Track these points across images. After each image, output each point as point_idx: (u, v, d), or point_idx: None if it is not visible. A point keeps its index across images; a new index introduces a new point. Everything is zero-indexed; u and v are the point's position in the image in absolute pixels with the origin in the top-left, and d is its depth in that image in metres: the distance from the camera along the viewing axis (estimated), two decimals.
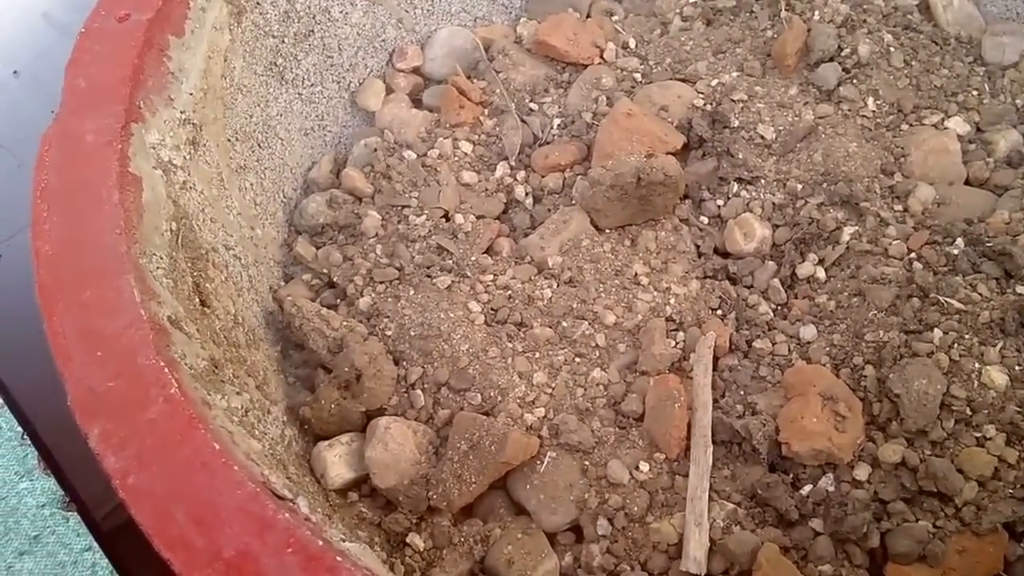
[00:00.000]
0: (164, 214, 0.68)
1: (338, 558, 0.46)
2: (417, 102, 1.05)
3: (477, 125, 0.99)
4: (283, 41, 0.93)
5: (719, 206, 0.91)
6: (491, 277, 0.86)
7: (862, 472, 0.72)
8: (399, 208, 0.92)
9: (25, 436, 0.80)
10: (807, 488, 0.72)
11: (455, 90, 1.00)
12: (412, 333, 0.81)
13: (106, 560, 0.73)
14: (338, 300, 0.87)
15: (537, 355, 0.80)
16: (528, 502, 0.74)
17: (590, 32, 1.04)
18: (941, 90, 0.95)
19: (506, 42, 1.06)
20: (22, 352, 0.86)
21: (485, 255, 0.88)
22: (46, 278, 0.58)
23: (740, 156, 0.91)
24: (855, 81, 0.96)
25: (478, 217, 0.91)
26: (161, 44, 0.74)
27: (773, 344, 0.81)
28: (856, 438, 0.72)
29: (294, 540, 0.47)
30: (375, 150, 0.96)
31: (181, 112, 0.76)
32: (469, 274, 0.86)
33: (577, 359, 0.81)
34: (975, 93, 0.95)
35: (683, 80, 0.99)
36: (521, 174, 0.95)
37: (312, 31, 0.96)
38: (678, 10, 1.07)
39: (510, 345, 0.81)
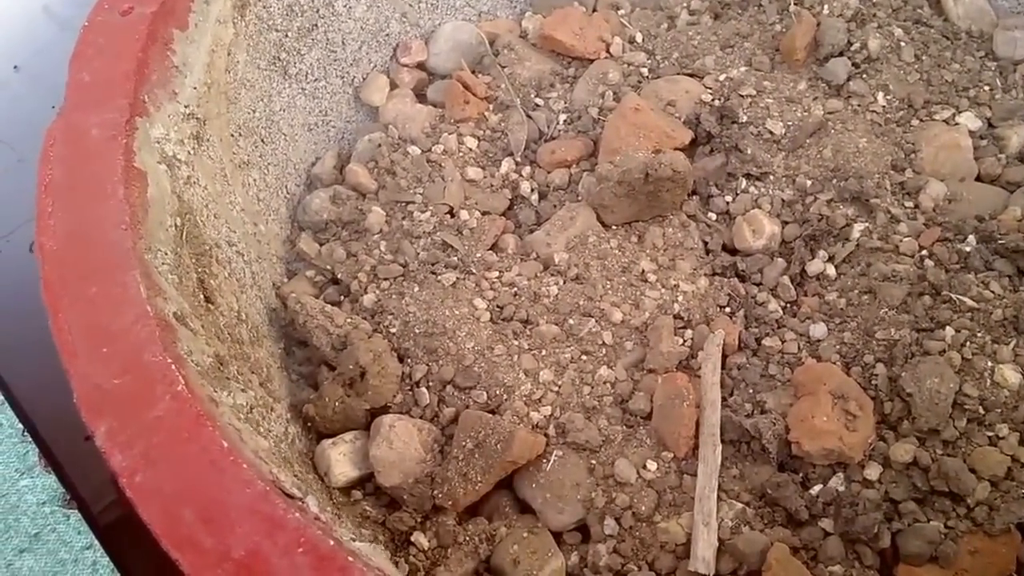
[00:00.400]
0: (169, 209, 0.67)
1: (350, 558, 0.46)
2: (421, 97, 1.04)
3: (482, 120, 0.99)
4: (287, 35, 0.92)
5: (727, 202, 0.90)
6: (496, 274, 0.85)
7: (873, 472, 0.71)
8: (403, 204, 0.91)
9: (26, 433, 0.79)
10: (817, 488, 0.72)
11: (460, 85, 0.99)
12: (417, 330, 0.80)
13: (107, 558, 0.72)
14: (342, 297, 0.87)
15: (543, 353, 0.80)
16: (534, 501, 0.74)
17: (596, 26, 1.03)
18: (952, 85, 0.94)
19: (511, 36, 1.06)
20: (23, 348, 0.85)
21: (490, 252, 0.87)
22: (51, 274, 0.57)
23: (749, 152, 0.90)
24: (865, 76, 0.95)
25: (483, 213, 0.90)
26: (165, 38, 0.74)
27: (783, 342, 0.80)
28: (867, 437, 0.72)
29: (305, 540, 0.47)
30: (379, 145, 0.95)
31: (185, 106, 0.75)
32: (474, 271, 0.85)
33: (584, 357, 0.80)
34: (987, 88, 0.94)
35: (691, 75, 0.98)
36: (527, 170, 0.95)
37: (316, 25, 0.95)
38: (685, 4, 1.06)
39: (516, 343, 0.80)
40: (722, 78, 0.97)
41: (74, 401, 0.52)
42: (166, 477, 0.49)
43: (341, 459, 0.75)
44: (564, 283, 0.84)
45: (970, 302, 0.76)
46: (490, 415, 0.74)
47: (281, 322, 0.85)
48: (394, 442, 0.74)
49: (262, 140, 0.90)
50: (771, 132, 0.91)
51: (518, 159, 0.95)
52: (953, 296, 0.77)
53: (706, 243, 0.88)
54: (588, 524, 0.73)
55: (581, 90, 0.99)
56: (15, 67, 1.12)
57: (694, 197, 0.91)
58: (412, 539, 0.72)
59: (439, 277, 0.84)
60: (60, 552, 0.73)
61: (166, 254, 0.64)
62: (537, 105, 0.99)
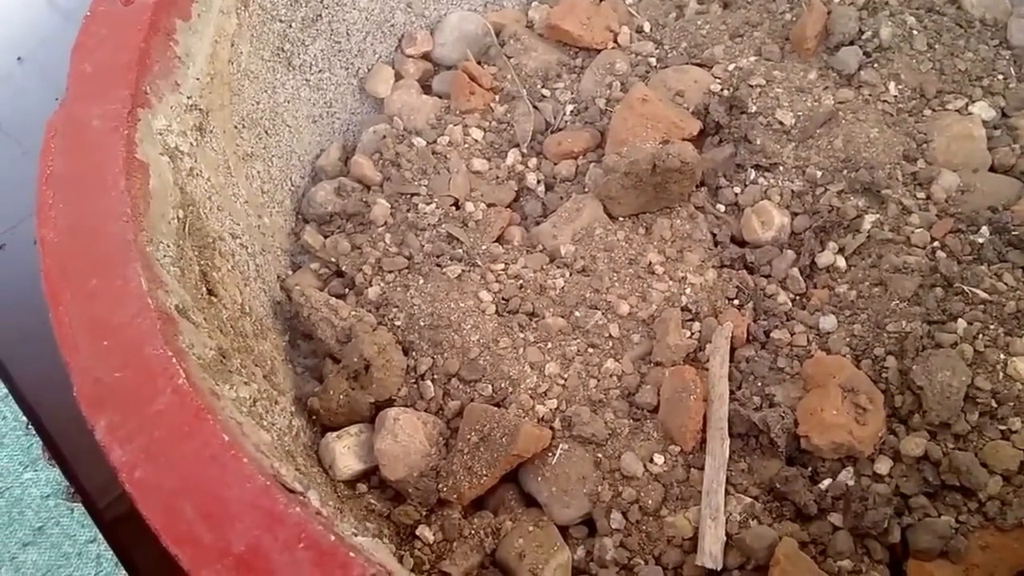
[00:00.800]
0: (171, 201, 0.67)
1: (351, 553, 0.45)
2: (427, 88, 1.03)
3: (488, 112, 0.98)
4: (290, 26, 0.91)
5: (736, 193, 0.89)
6: (502, 266, 0.85)
7: (883, 466, 0.71)
8: (408, 196, 0.90)
9: (30, 426, 0.79)
10: (826, 482, 0.71)
11: (465, 76, 0.98)
12: (422, 323, 0.80)
13: (111, 552, 0.72)
14: (346, 289, 0.86)
15: (549, 345, 0.79)
16: (540, 495, 0.73)
17: (604, 16, 1.02)
18: (965, 74, 0.93)
19: (518, 27, 1.05)
20: (27, 341, 0.85)
21: (496, 244, 0.87)
22: (52, 267, 0.57)
23: (758, 142, 0.89)
24: (876, 65, 0.94)
25: (489, 205, 0.90)
26: (167, 28, 0.73)
27: (792, 335, 0.79)
28: (877, 431, 0.71)
29: (306, 535, 0.46)
30: (384, 137, 0.95)
31: (188, 98, 0.74)
32: (480, 263, 0.84)
33: (590, 350, 0.79)
34: (1000, 77, 0.93)
35: (699, 65, 0.97)
36: (533, 161, 0.94)
37: (320, 16, 0.95)
38: None
39: (521, 335, 0.80)
40: (731, 68, 0.96)
41: (74, 395, 0.52)
42: (166, 472, 0.48)
43: (346, 452, 0.75)
44: (570, 275, 0.83)
45: (983, 294, 0.75)
46: (495, 408, 0.74)
47: (286, 315, 0.85)
48: (399, 435, 0.73)
49: (266, 132, 0.89)
50: (781, 122, 0.90)
51: (524, 150, 0.94)
52: (965, 288, 0.76)
53: (714, 235, 0.87)
54: (594, 518, 0.72)
55: (588, 80, 0.98)
56: (19, 58, 1.12)
57: (702, 188, 0.90)
58: (417, 533, 0.72)
59: (444, 269, 0.84)
60: (64, 545, 0.73)
61: (168, 246, 0.63)
62: (544, 96, 0.98)
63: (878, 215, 0.84)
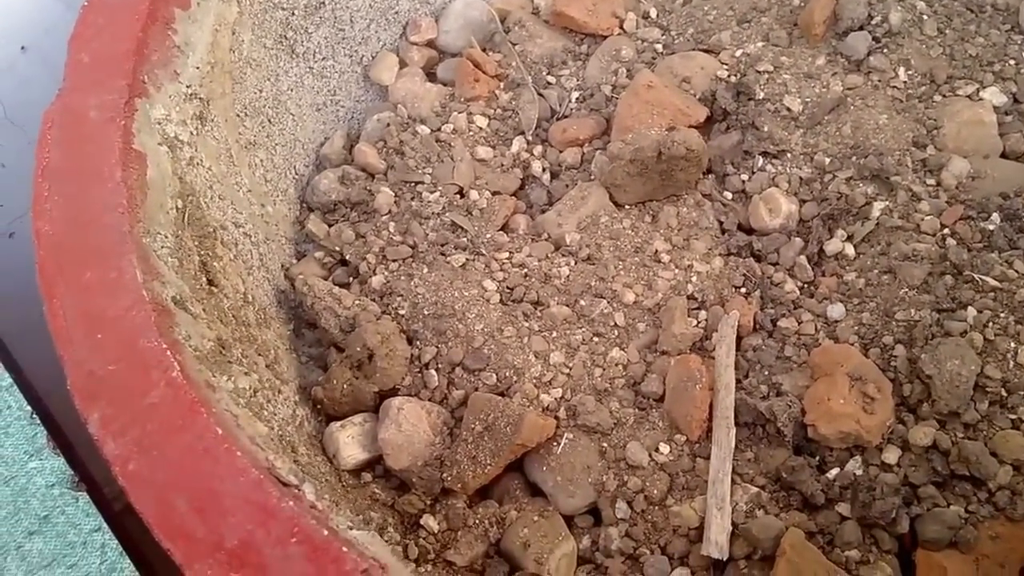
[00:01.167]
0: (170, 191, 0.67)
1: (344, 548, 0.45)
2: (431, 76, 1.03)
3: (493, 99, 0.97)
4: (293, 13, 0.90)
5: (743, 181, 0.88)
6: (507, 255, 0.84)
7: (891, 455, 0.70)
8: (412, 184, 0.90)
9: (35, 415, 0.79)
10: (834, 472, 0.71)
11: (470, 63, 0.97)
12: (426, 312, 0.79)
13: (115, 541, 0.73)
14: (351, 278, 0.86)
15: (554, 334, 0.79)
16: (545, 484, 0.73)
17: (609, 2, 1.01)
18: (976, 59, 0.92)
19: (523, 13, 1.04)
20: (32, 331, 0.85)
21: (501, 232, 0.86)
22: (46, 259, 0.57)
23: (765, 129, 0.88)
24: (886, 50, 0.93)
25: (493, 193, 0.89)
26: (166, 17, 0.72)
27: (799, 323, 0.79)
28: (885, 420, 0.70)
29: (299, 529, 0.46)
30: (388, 125, 0.94)
31: (188, 87, 0.74)
32: (484, 252, 0.84)
33: (595, 338, 0.79)
34: (1012, 62, 0.91)
35: (706, 51, 0.96)
36: (538, 149, 0.93)
37: (323, 3, 0.94)
38: None
39: (526, 324, 0.79)
40: (738, 54, 0.95)
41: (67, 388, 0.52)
42: (159, 465, 0.48)
43: (350, 442, 0.75)
44: (575, 264, 0.83)
45: (993, 282, 0.74)
46: (499, 397, 0.74)
47: (290, 303, 0.85)
48: (403, 425, 0.73)
49: (269, 120, 0.89)
50: (789, 109, 0.89)
51: (529, 138, 0.94)
52: (975, 276, 0.75)
53: (721, 223, 0.86)
54: (600, 507, 0.72)
55: (594, 67, 0.97)
56: (22, 48, 1.12)
57: (709, 176, 0.89)
58: (422, 522, 0.72)
59: (448, 258, 0.83)
60: (69, 534, 0.74)
61: (166, 237, 0.63)
62: (549, 83, 0.98)
63: (887, 202, 0.83)
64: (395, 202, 0.89)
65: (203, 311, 0.63)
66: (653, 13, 1.02)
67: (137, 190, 0.61)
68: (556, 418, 0.74)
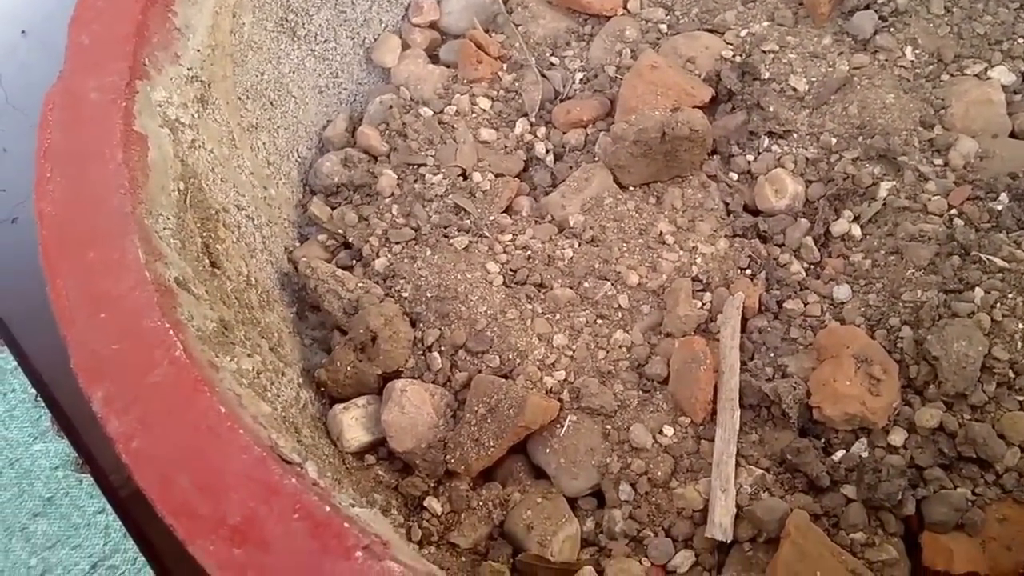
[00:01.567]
0: (171, 173, 0.66)
1: (346, 524, 0.45)
2: (434, 58, 1.02)
3: (496, 80, 0.97)
4: None
5: (749, 161, 0.88)
6: (510, 237, 0.84)
7: (897, 437, 0.70)
8: (415, 167, 0.89)
9: (39, 398, 0.79)
10: (839, 453, 0.70)
11: (473, 45, 0.97)
12: (429, 294, 0.79)
13: (119, 523, 0.73)
14: (354, 261, 0.86)
15: (557, 317, 0.78)
16: (548, 466, 0.73)
17: None
18: (984, 38, 0.91)
19: None
20: (36, 315, 0.85)
21: (504, 214, 0.86)
22: (49, 240, 0.57)
23: (771, 109, 0.88)
24: (892, 29, 0.92)
25: (497, 175, 0.89)
26: None
27: (805, 304, 0.78)
28: (891, 402, 0.70)
29: (301, 506, 0.46)
30: (391, 107, 0.93)
31: (188, 69, 0.74)
32: (487, 234, 0.84)
33: (599, 321, 0.78)
34: (1021, 41, 0.90)
35: (711, 31, 0.96)
36: (541, 130, 0.93)
37: None
38: None
39: (529, 307, 0.79)
40: (743, 34, 0.94)
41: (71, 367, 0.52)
42: (162, 443, 0.48)
43: (353, 424, 0.75)
44: (579, 246, 0.82)
45: (1001, 262, 0.74)
46: (503, 380, 0.73)
47: (294, 286, 0.84)
48: (406, 407, 0.73)
49: (271, 103, 0.88)
50: (794, 89, 0.89)
51: (533, 119, 0.93)
52: (983, 256, 0.74)
53: (727, 204, 0.86)
54: (603, 490, 0.72)
55: (597, 48, 0.96)
56: (23, 32, 1.12)
57: (715, 156, 0.89)
58: (425, 504, 0.72)
59: (451, 240, 0.83)
60: (73, 516, 0.74)
61: (168, 219, 0.63)
62: (552, 64, 0.97)
63: (894, 182, 0.82)
64: (398, 184, 0.89)
65: (205, 292, 0.63)
66: None
67: (139, 171, 0.61)
68: (559, 400, 0.74)
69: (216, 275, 0.68)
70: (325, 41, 0.96)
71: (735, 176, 0.88)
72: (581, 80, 0.95)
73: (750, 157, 0.88)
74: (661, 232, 0.83)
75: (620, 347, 0.77)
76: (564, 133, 0.92)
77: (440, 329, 0.78)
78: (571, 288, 0.80)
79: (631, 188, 0.86)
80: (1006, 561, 0.64)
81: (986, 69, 0.89)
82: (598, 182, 0.85)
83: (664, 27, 0.98)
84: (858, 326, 0.75)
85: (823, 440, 0.72)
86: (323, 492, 0.48)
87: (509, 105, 0.94)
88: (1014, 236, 0.76)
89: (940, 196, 0.80)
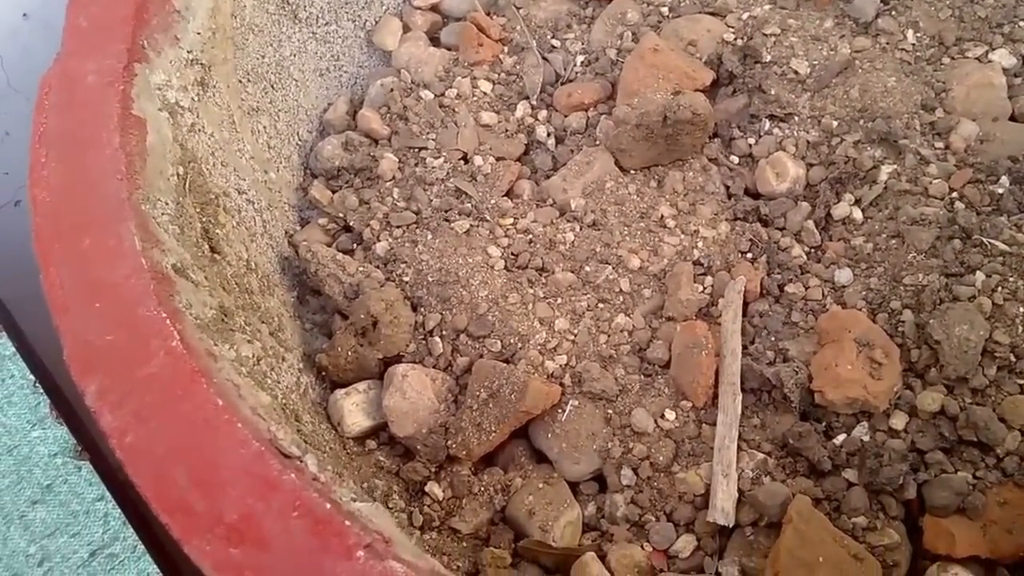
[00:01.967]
0: (170, 158, 0.66)
1: (347, 522, 0.44)
2: (435, 40, 1.01)
3: (497, 63, 0.96)
4: None
5: (750, 145, 0.87)
6: (511, 221, 0.83)
7: (899, 421, 0.69)
8: (416, 150, 0.89)
9: (37, 384, 0.79)
10: (841, 437, 0.70)
11: (474, 27, 0.96)
12: (430, 279, 0.79)
13: (119, 510, 0.72)
14: (354, 245, 0.85)
15: (559, 301, 0.78)
16: (550, 451, 0.73)
17: None
18: (985, 21, 0.90)
19: None
20: (36, 300, 0.84)
21: (505, 198, 0.85)
22: (43, 226, 0.56)
23: (772, 92, 0.87)
24: (894, 12, 0.91)
25: (498, 159, 0.88)
26: None
27: (806, 288, 0.78)
28: (893, 385, 0.70)
29: (300, 503, 0.45)
30: (392, 90, 0.93)
31: (188, 52, 0.73)
32: (488, 218, 0.83)
33: (600, 305, 0.78)
34: (1022, 24, 0.90)
35: (712, 13, 0.95)
36: (543, 114, 0.92)
37: None
38: None
39: (531, 291, 0.79)
40: (745, 16, 0.93)
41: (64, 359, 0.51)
42: (158, 437, 0.47)
43: (354, 409, 0.75)
44: (581, 229, 0.82)
45: (1002, 246, 0.73)
46: (504, 364, 0.73)
47: (294, 270, 0.84)
48: (407, 392, 0.73)
49: (272, 86, 0.88)
50: (796, 72, 0.88)
51: (534, 103, 0.93)
52: (984, 240, 0.74)
53: (728, 187, 0.86)
54: (605, 474, 0.72)
55: (599, 31, 0.96)
56: (24, 15, 1.11)
57: (716, 140, 0.88)
58: (427, 489, 0.72)
59: (452, 224, 0.82)
60: (72, 503, 0.74)
61: (167, 204, 0.62)
62: (553, 47, 0.96)
63: (895, 166, 0.82)
64: (399, 168, 0.88)
65: (205, 279, 0.62)
66: None
67: (136, 156, 0.60)
68: (561, 385, 0.74)
69: (216, 260, 0.67)
70: (326, 24, 0.95)
71: (736, 159, 0.87)
72: (582, 63, 0.94)
73: (751, 140, 0.87)
74: (662, 216, 0.82)
75: (621, 331, 0.77)
76: (565, 116, 0.91)
77: (441, 313, 0.78)
78: (572, 272, 0.80)
79: (632, 171, 0.86)
80: (1007, 544, 0.64)
81: (987, 52, 0.88)
82: (599, 166, 0.85)
83: (665, 10, 0.97)
84: (859, 310, 0.75)
85: (824, 424, 0.71)
86: (323, 487, 0.47)
87: (510, 88, 0.94)
88: (1015, 219, 0.75)
89: (941, 179, 0.80)
